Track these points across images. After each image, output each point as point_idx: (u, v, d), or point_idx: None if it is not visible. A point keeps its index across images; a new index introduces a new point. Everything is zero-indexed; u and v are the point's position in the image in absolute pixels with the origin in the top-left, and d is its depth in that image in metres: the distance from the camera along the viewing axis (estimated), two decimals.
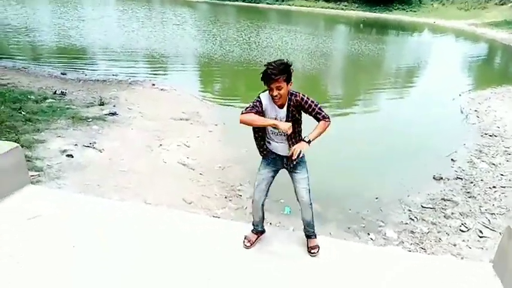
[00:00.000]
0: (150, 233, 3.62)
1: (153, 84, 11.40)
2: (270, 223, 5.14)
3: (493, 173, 6.92)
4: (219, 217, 5.17)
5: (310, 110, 3.02)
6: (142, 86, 11.22)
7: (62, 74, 11.80)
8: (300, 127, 3.14)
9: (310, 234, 3.44)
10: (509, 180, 6.65)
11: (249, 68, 16.34)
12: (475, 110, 10.89)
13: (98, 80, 11.44)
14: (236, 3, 58.66)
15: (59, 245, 3.34)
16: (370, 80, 16.42)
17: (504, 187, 6.39)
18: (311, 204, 3.30)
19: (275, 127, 2.96)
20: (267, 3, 61.72)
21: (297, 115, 3.06)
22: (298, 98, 2.99)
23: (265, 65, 2.91)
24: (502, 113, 10.45)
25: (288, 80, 2.91)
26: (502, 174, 6.84)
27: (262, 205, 3.39)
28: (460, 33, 41.89)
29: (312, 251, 3.36)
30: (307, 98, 3.02)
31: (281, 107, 3.01)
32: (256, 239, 3.50)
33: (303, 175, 3.22)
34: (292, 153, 2.95)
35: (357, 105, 12.31)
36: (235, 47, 20.52)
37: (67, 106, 8.42)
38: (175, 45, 19.54)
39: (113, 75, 12.29)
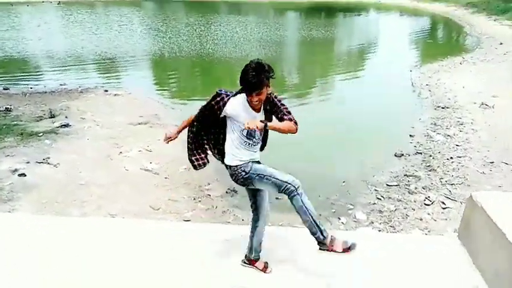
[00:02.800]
0: (118, 247, 3.46)
1: (106, 90, 10.95)
2: (242, 219, 5.10)
3: (448, 144, 7.21)
4: (189, 220, 5.07)
5: (277, 109, 2.76)
6: (94, 93, 10.74)
7: (4, 89, 11.07)
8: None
9: (318, 240, 2.94)
10: (464, 149, 6.96)
11: (203, 63, 16.13)
12: (427, 84, 11.30)
13: (45, 92, 10.83)
14: None
15: (20, 273, 3.12)
16: (322, 65, 16.65)
17: (460, 157, 6.68)
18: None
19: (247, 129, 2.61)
20: None
21: (269, 114, 2.84)
22: (270, 98, 2.76)
23: (245, 68, 2.64)
24: (451, 84, 10.91)
25: (268, 84, 2.67)
26: (457, 145, 7.14)
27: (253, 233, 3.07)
28: (404, 9, 43.28)
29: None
30: (278, 98, 2.81)
31: (258, 111, 2.77)
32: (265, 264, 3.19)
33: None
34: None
35: (312, 90, 12.43)
36: (187, 43, 20.13)
37: (14, 122, 7.91)
38: (124, 47, 18.87)
39: (61, 84, 11.69)
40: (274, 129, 2.68)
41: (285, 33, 25.93)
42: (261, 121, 2.62)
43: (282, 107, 2.76)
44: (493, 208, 3.05)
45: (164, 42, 20.46)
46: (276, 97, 2.80)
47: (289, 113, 2.75)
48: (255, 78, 2.57)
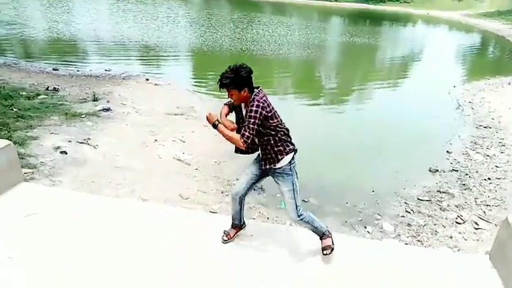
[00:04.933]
0: (147, 230, 3.59)
1: (147, 79, 11.29)
2: (267, 217, 5.15)
3: (488, 164, 6.95)
4: (216, 212, 5.15)
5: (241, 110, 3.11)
6: (136, 81, 11.11)
7: (53, 69, 11.66)
8: (268, 136, 3.00)
9: (321, 236, 3.37)
10: (504, 171, 6.69)
11: (243, 60, 16.20)
12: (470, 102, 10.92)
13: (90, 76, 11.31)
14: None
15: (57, 243, 3.31)
16: (364, 72, 16.42)
17: (499, 179, 6.43)
18: (301, 219, 3.20)
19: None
20: None
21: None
22: (249, 107, 2.93)
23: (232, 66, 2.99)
24: (497, 104, 10.49)
25: (238, 88, 2.93)
26: (496, 166, 6.87)
27: (240, 200, 3.34)
28: (454, 24, 41.95)
29: (324, 252, 3.29)
30: (254, 109, 2.89)
31: (238, 104, 3.10)
32: (235, 234, 3.49)
33: (286, 187, 3.12)
34: None
35: (351, 97, 12.31)
36: (229, 39, 20.40)
37: (60, 102, 8.32)
38: (168, 39, 19.37)
39: (106, 70, 12.16)
40: (221, 133, 3.00)
41: (326, 37, 25.76)
42: (215, 121, 3.00)
43: (246, 119, 2.93)
44: None
45: (206, 37, 20.82)
46: (252, 105, 2.92)
47: (247, 127, 2.90)
48: (224, 78, 2.94)
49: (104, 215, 3.83)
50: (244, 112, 3.06)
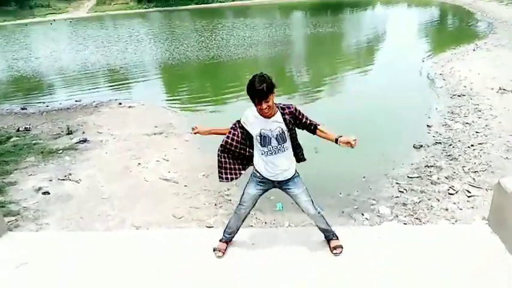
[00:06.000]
0: (146, 260, 3.47)
1: (120, 103, 11.10)
2: (265, 222, 5.10)
3: (468, 132, 7.07)
4: (212, 226, 5.07)
5: (303, 121, 3.02)
6: (108, 107, 10.90)
7: (22, 109, 11.35)
8: (295, 139, 3.08)
9: (330, 238, 3.35)
10: (485, 135, 6.81)
11: (213, 68, 16.24)
12: (440, 73, 11.12)
13: (61, 109, 11.05)
14: (188, 6, 58.00)
15: None
16: (333, 60, 16.53)
17: (481, 143, 6.54)
18: (320, 213, 3.21)
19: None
20: (220, 2, 61.19)
21: (294, 128, 3.02)
22: (292, 110, 2.99)
23: (250, 80, 2.82)
24: (466, 72, 10.71)
25: (273, 92, 2.87)
26: (477, 132, 6.99)
27: (245, 218, 3.34)
28: (411, 0, 42.80)
29: (335, 251, 3.27)
30: (298, 109, 3.04)
31: (267, 118, 2.93)
32: (226, 248, 3.41)
33: (299, 189, 3.10)
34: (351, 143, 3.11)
35: (323, 87, 12.33)
36: (195, 49, 20.29)
37: (34, 141, 8.08)
38: (134, 59, 19.13)
39: (76, 101, 11.91)
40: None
41: (292, 32, 25.95)
42: (336, 137, 3.09)
43: (305, 117, 3.03)
44: None
45: (172, 50, 20.67)
46: (289, 107, 3.01)
47: (311, 119, 3.06)
48: (261, 86, 2.76)
49: (98, 251, 3.69)
50: (270, 125, 2.95)
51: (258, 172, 3.11)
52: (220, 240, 3.43)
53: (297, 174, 3.12)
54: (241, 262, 3.29)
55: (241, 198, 3.25)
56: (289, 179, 3.07)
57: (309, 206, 3.14)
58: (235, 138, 3.06)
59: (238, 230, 3.42)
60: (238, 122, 3.07)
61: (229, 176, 3.22)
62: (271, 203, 5.44)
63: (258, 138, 2.95)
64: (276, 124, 2.93)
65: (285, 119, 2.94)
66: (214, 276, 3.17)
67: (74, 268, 3.43)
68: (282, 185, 3.11)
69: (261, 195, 3.22)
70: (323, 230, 3.33)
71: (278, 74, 15.24)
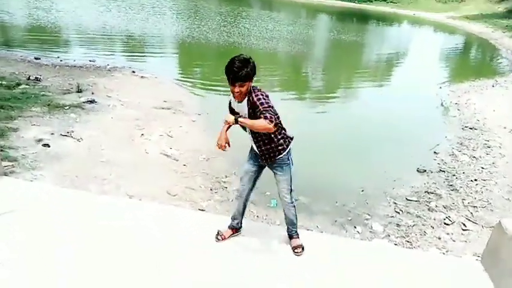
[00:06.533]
0: (134, 229, 3.46)
1: (133, 72, 11.03)
2: (257, 216, 5.07)
3: (474, 165, 7.02)
4: (204, 210, 5.05)
5: (256, 109, 2.80)
6: (121, 73, 10.84)
7: (35, 58, 11.26)
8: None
9: (292, 234, 3.43)
10: (490, 172, 6.76)
11: (229, 53, 16.02)
12: (456, 103, 11.04)
13: (74, 66, 10.97)
14: None
15: (34, 241, 3.15)
16: (350, 69, 16.47)
17: (485, 180, 6.49)
18: (292, 203, 3.30)
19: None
20: None
21: (251, 110, 2.90)
22: (254, 97, 2.85)
23: (232, 59, 2.83)
24: (482, 106, 10.63)
25: (251, 79, 2.85)
26: (482, 167, 6.94)
27: (246, 199, 3.38)
28: (439, 25, 42.55)
29: (296, 251, 3.33)
30: (261, 97, 2.83)
31: (241, 101, 2.96)
32: (230, 235, 3.45)
33: (284, 176, 3.18)
34: None
35: (338, 94, 12.28)
36: (216, 32, 20.16)
37: (42, 93, 8.03)
38: (154, 31, 19.02)
39: (90, 60, 11.83)
40: (246, 125, 2.85)
41: (315, 33, 25.77)
42: (235, 117, 2.87)
43: (260, 106, 2.78)
44: None
45: (193, 29, 20.53)
46: (256, 95, 2.84)
47: (266, 111, 2.74)
48: (241, 70, 2.74)
49: (89, 212, 3.68)
50: (244, 109, 2.96)
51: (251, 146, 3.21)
52: (228, 226, 3.47)
53: (287, 162, 3.14)
54: (237, 259, 3.26)
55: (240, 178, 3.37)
56: (277, 162, 3.12)
57: (286, 193, 3.22)
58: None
59: (242, 216, 3.46)
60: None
61: None
62: (266, 198, 5.42)
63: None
64: (243, 110, 2.96)
65: (248, 102, 2.89)
66: (212, 274, 3.13)
67: (60, 223, 3.41)
68: (270, 165, 3.18)
69: (256, 171, 3.26)
70: (289, 222, 3.39)
71: (293, 72, 15.15)
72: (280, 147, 3.07)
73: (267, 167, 3.27)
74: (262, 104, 2.79)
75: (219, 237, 3.40)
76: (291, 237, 3.43)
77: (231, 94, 3.01)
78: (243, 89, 2.82)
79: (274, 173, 3.22)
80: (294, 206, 3.33)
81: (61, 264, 2.95)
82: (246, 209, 3.46)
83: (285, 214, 3.40)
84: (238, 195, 3.39)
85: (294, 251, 3.34)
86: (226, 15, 29.10)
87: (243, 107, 2.97)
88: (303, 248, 3.34)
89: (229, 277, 3.04)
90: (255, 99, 2.82)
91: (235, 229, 3.48)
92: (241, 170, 3.34)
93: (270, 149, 3.06)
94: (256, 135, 3.00)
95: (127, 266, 3.01)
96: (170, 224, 3.63)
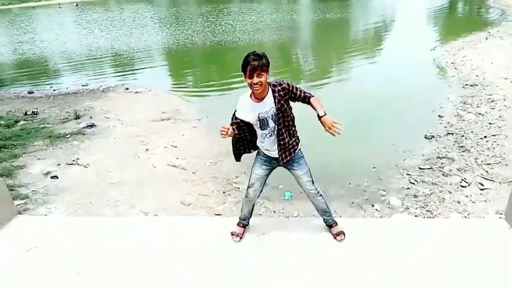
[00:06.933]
0: (156, 245, 3.46)
1: (127, 88, 11.02)
2: (274, 211, 5.06)
3: (481, 123, 6.95)
4: (220, 214, 5.05)
5: (298, 94, 2.94)
6: (115, 92, 10.84)
7: (29, 92, 11.29)
8: (290, 117, 3.02)
9: (330, 223, 3.42)
10: (498, 127, 6.69)
11: (219, 53, 16.10)
12: (452, 62, 10.91)
13: (68, 93, 10.99)
14: None
15: (63, 274, 3.17)
16: (341, 46, 16.31)
17: (494, 135, 6.43)
18: (319, 193, 3.28)
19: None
20: None
21: (285, 105, 2.93)
22: (284, 86, 2.91)
23: (245, 56, 2.84)
24: (478, 61, 10.51)
25: (268, 71, 2.88)
26: (490, 123, 6.87)
27: (255, 202, 3.43)
28: None
29: (338, 238, 3.34)
30: (292, 83, 2.96)
31: (260, 100, 2.92)
32: (244, 232, 3.49)
33: (303, 170, 3.17)
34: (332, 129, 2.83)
35: (331, 73, 12.16)
36: (201, 34, 20.08)
37: (41, 125, 8.06)
38: (140, 44, 18.97)
39: (83, 85, 11.83)
40: (321, 109, 2.95)
41: (299, 18, 25.59)
42: (324, 116, 2.87)
43: (299, 90, 2.95)
44: None
45: (178, 35, 20.47)
46: (281, 85, 2.92)
47: (305, 92, 2.99)
48: (256, 60, 2.76)
49: (107, 236, 3.68)
50: (265, 107, 2.93)
51: (262, 152, 3.17)
52: (237, 224, 3.50)
53: (301, 155, 3.17)
54: (238, 260, 3.26)
55: (249, 180, 3.30)
56: (293, 159, 3.10)
57: (310, 185, 3.21)
58: (239, 129, 3.12)
59: (251, 215, 3.51)
60: (235, 116, 3.10)
61: (242, 151, 3.32)
62: (279, 192, 5.41)
63: (258, 123, 2.97)
64: (270, 105, 2.91)
65: (275, 97, 2.89)
66: (214, 275, 3.12)
67: (81, 252, 3.42)
68: (287, 163, 3.13)
69: (267, 174, 3.26)
70: (322, 212, 3.38)
71: (284, 59, 15.06)
72: (297, 140, 3.12)
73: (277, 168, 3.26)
74: (297, 88, 2.94)
75: (236, 237, 3.42)
76: (330, 226, 3.43)
77: (244, 99, 3.00)
78: (263, 80, 2.79)
79: (292, 170, 3.18)
80: (321, 195, 3.31)
81: None
82: (254, 207, 3.52)
83: (315, 206, 3.39)
84: (249, 200, 3.35)
85: (336, 238, 3.34)
86: (208, 15, 28.96)
87: (264, 105, 2.91)
88: (344, 234, 3.35)
89: (230, 277, 3.04)
90: (290, 85, 2.91)
91: (246, 226, 3.54)
92: (252, 176, 3.26)
93: (291, 144, 3.04)
94: (282, 131, 2.96)
95: (154, 283, 3.02)
96: (191, 233, 3.62)
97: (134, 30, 23.33)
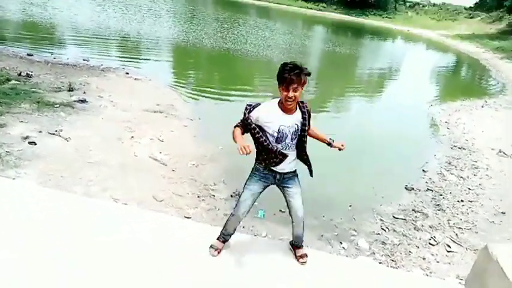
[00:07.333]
0: (119, 235, 3.39)
1: (127, 73, 10.96)
2: (243, 227, 5.01)
3: (461, 186, 7.08)
4: (190, 217, 4.99)
5: (309, 120, 3.02)
6: (115, 73, 10.76)
7: (28, 55, 11.11)
8: (307, 137, 3.11)
9: (299, 245, 3.43)
10: (476, 194, 6.82)
11: (224, 60, 16.16)
12: (446, 122, 11.15)
13: (67, 64, 10.85)
14: None
15: (17, 243, 3.07)
16: (343, 82, 16.55)
17: (471, 201, 6.55)
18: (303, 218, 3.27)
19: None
20: None
21: (308, 125, 3.01)
22: (309, 108, 3.00)
23: (286, 65, 2.77)
24: (471, 126, 10.77)
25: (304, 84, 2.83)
26: (469, 188, 7.00)
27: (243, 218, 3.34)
28: (432, 42, 43.24)
29: (301, 260, 3.35)
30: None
31: (289, 113, 2.87)
32: (222, 247, 3.41)
33: (297, 189, 3.15)
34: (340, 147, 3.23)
35: (327, 107, 12.28)
36: (212, 38, 20.19)
37: (32, 89, 7.92)
38: (150, 33, 18.96)
39: (84, 59, 11.72)
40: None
41: (310, 44, 25.96)
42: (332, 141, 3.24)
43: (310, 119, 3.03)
44: (509, 262, 2.94)
45: (190, 33, 20.55)
46: (306, 106, 2.98)
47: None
48: (296, 73, 2.68)
49: (72, 214, 3.60)
50: (293, 120, 2.92)
51: (261, 165, 3.03)
52: (218, 239, 3.38)
53: (297, 173, 3.16)
54: (236, 261, 3.27)
55: (240, 196, 3.17)
56: (291, 175, 3.08)
57: (301, 208, 3.20)
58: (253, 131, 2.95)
59: (235, 231, 3.41)
60: (249, 118, 2.90)
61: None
62: (253, 209, 5.37)
63: (275, 134, 2.86)
64: (294, 120, 2.88)
65: (303, 112, 2.92)
66: (212, 275, 3.09)
67: (41, 225, 3.33)
68: (283, 181, 3.08)
69: (260, 193, 3.18)
70: (297, 237, 3.36)
71: None
72: (308, 159, 3.17)
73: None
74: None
75: (215, 252, 3.32)
76: (297, 247, 3.41)
77: (272, 105, 2.88)
78: (298, 94, 2.75)
79: (287, 189, 3.12)
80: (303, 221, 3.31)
81: (31, 268, 2.87)
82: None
83: (294, 232, 3.33)
84: (236, 217, 3.22)
85: (299, 260, 3.36)
86: (223, 21, 29.20)
87: (291, 119, 2.86)
88: (307, 257, 3.37)
89: (230, 277, 3.04)
90: (310, 111, 2.98)
91: (227, 241, 3.44)
92: (246, 193, 3.13)
93: (303, 157, 3.10)
94: (302, 147, 3.03)
95: (104, 274, 2.94)
96: (156, 230, 3.57)
97: (147, 19, 23.34)
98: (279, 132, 2.85)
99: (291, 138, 2.92)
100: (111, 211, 3.87)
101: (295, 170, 3.15)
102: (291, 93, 2.72)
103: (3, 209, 3.46)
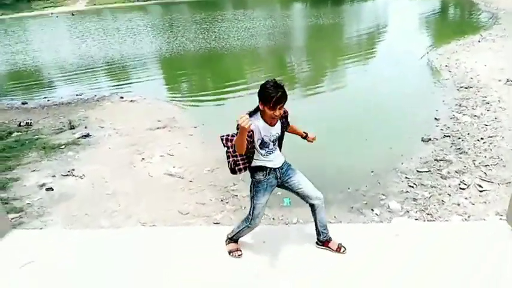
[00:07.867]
0: (154, 257, 3.39)
1: (121, 97, 10.97)
2: (273, 218, 5.01)
3: (477, 124, 6.96)
4: (219, 223, 4.99)
5: (286, 119, 3.06)
6: (110, 101, 10.78)
7: (22, 103, 11.21)
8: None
9: (328, 238, 3.24)
10: (494, 128, 6.70)
11: (212, 60, 16.09)
12: (446, 65, 10.97)
13: (62, 103, 10.92)
14: None
15: None
16: (334, 52, 16.37)
17: (491, 137, 6.43)
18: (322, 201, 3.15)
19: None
20: None
21: (285, 129, 3.11)
22: (287, 113, 3.05)
23: (268, 85, 2.73)
24: (472, 63, 10.57)
25: None
26: (486, 125, 6.88)
27: None
28: None
29: (341, 251, 3.20)
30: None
31: (272, 124, 2.92)
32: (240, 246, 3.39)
33: (299, 174, 3.11)
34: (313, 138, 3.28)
35: (326, 79, 12.18)
36: (195, 42, 20.09)
37: (36, 137, 7.98)
38: (134, 52, 18.93)
39: (77, 95, 11.76)
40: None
41: (292, 23, 25.71)
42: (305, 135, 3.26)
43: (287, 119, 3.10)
44: None
45: (172, 42, 20.49)
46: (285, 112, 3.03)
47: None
48: (282, 93, 2.73)
49: (104, 249, 3.61)
50: (276, 130, 2.96)
51: (261, 174, 3.03)
52: (229, 243, 3.37)
53: (289, 163, 3.17)
54: (247, 261, 3.22)
55: (253, 211, 3.13)
56: (286, 166, 3.10)
57: (315, 189, 3.07)
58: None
59: None
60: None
61: (242, 167, 3.04)
62: (277, 198, 5.34)
63: (258, 141, 2.94)
64: (276, 130, 2.96)
65: (282, 123, 2.99)
66: (216, 275, 3.08)
67: (78, 266, 3.34)
68: (284, 175, 3.08)
69: (268, 199, 3.16)
70: (323, 226, 3.20)
71: (278, 65, 15.08)
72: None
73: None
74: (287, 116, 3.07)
75: (238, 252, 3.29)
76: (327, 241, 3.25)
77: (258, 119, 2.87)
78: (282, 111, 2.83)
79: (290, 180, 3.08)
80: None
81: None
82: None
83: (318, 219, 3.18)
84: (250, 228, 3.21)
85: (340, 251, 3.20)
86: (201, 22, 29.02)
87: (275, 129, 2.96)
88: (343, 246, 3.22)
89: (231, 277, 3.02)
90: (287, 115, 3.04)
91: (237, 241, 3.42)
92: (257, 207, 3.09)
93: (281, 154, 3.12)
94: (278, 149, 3.06)
95: None
96: (186, 243, 3.56)
97: (128, 38, 23.31)
98: (262, 140, 2.92)
99: (273, 144, 3.00)
100: (143, 236, 3.87)
101: (286, 161, 3.16)
102: (277, 112, 2.77)
103: (42, 262, 3.47)
